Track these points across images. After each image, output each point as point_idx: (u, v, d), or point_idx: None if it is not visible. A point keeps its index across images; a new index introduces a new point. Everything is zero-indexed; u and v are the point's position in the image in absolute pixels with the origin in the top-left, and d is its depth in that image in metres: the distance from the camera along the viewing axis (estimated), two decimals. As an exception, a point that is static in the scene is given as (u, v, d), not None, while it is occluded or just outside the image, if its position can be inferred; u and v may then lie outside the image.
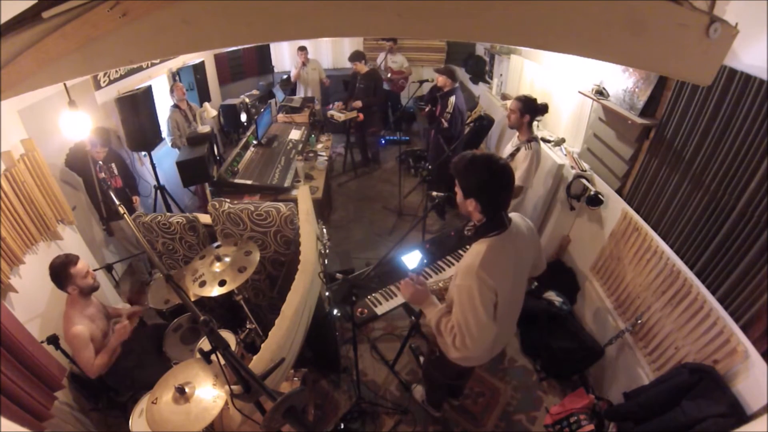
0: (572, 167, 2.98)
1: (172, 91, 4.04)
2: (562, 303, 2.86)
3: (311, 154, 4.17)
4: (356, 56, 4.81)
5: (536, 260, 1.73)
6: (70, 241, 2.66)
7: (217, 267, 2.01)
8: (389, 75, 5.84)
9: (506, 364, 2.88)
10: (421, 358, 2.80)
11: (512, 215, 1.60)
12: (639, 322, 2.20)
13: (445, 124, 3.87)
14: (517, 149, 2.75)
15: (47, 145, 2.60)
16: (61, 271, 2.01)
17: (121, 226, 3.20)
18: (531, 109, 2.68)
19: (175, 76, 4.50)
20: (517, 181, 2.65)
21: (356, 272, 1.94)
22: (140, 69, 3.77)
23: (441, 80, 3.86)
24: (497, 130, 4.80)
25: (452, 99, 3.80)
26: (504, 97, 4.67)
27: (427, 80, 4.66)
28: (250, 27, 1.00)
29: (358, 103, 4.86)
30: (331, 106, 5.28)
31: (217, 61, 5.73)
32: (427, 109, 4.21)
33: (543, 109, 2.72)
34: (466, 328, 1.46)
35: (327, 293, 2.17)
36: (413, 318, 2.99)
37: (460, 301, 1.48)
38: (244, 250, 2.12)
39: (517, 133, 2.82)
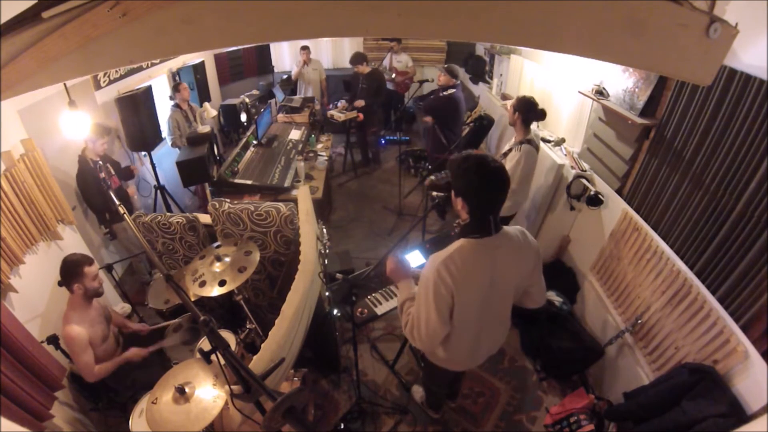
0: (572, 167, 2.98)
1: (177, 90, 4.03)
2: (562, 303, 2.86)
3: (311, 154, 4.17)
4: (357, 59, 4.80)
5: (529, 286, 1.64)
6: (70, 241, 2.66)
7: (217, 267, 2.01)
8: (393, 75, 5.84)
9: (506, 364, 2.88)
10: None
11: (512, 229, 1.53)
12: (639, 322, 2.20)
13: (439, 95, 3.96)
14: (510, 149, 2.76)
15: (47, 145, 2.60)
16: (74, 267, 2.01)
17: (124, 227, 3.20)
18: (523, 108, 2.67)
19: (175, 76, 4.50)
20: None
21: (356, 272, 1.94)
22: (140, 69, 3.77)
23: (443, 79, 3.92)
24: (497, 130, 4.80)
25: (450, 90, 3.90)
26: (504, 97, 4.67)
27: (427, 80, 4.67)
28: (250, 27, 1.00)
29: (361, 102, 4.87)
30: (331, 106, 5.29)
31: (217, 61, 5.73)
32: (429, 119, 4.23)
33: (539, 114, 2.70)
34: (417, 320, 1.48)
35: (327, 293, 2.17)
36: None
37: (418, 290, 1.49)
38: (244, 250, 2.12)
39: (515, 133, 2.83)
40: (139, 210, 3.32)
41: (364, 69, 4.86)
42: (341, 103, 5.11)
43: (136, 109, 3.28)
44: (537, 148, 2.73)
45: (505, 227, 1.51)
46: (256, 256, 2.09)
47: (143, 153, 3.72)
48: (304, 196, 2.56)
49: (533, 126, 2.79)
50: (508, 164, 2.67)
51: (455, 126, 4.08)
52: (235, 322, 2.44)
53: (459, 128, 4.20)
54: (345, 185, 5.26)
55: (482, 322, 1.60)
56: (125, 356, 2.16)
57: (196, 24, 0.98)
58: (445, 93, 3.93)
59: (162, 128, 3.82)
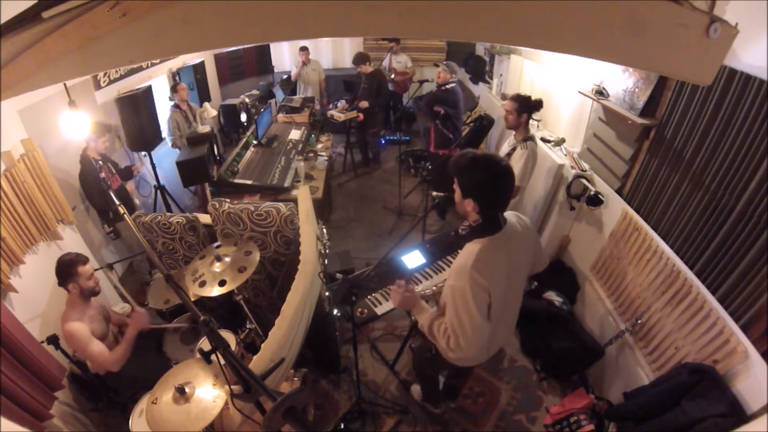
0: (572, 167, 2.98)
1: (175, 91, 4.03)
2: (562, 303, 2.86)
3: (311, 154, 4.17)
4: (360, 59, 4.80)
5: (535, 258, 1.71)
6: (70, 241, 2.66)
7: (217, 267, 2.01)
8: (393, 76, 5.83)
9: (506, 364, 2.88)
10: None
11: (508, 214, 1.58)
12: (639, 322, 2.20)
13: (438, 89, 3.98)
14: (514, 149, 2.75)
15: (47, 145, 2.60)
16: (68, 267, 2.01)
17: (128, 226, 3.19)
18: (528, 107, 2.68)
19: (175, 76, 4.49)
20: None
21: (356, 272, 1.94)
22: (140, 69, 3.77)
23: (443, 75, 3.95)
24: (497, 130, 4.80)
25: (450, 84, 3.94)
26: (504, 97, 4.67)
27: (427, 80, 4.66)
28: (250, 27, 1.00)
29: (365, 103, 4.86)
30: (330, 106, 5.28)
31: (217, 61, 5.73)
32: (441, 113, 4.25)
33: (538, 105, 2.70)
34: (460, 329, 1.47)
35: (327, 293, 2.17)
36: (413, 318, 2.99)
37: (453, 302, 1.48)
38: (244, 250, 2.12)
39: (514, 133, 2.82)
40: (139, 209, 3.32)
41: (367, 69, 4.85)
42: (341, 103, 5.11)
43: (136, 109, 3.28)
44: (536, 143, 2.77)
45: (506, 214, 1.56)
46: (256, 256, 2.09)
47: (143, 153, 3.72)
48: (304, 196, 2.56)
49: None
50: (516, 163, 2.67)
51: (457, 119, 4.08)
52: (235, 322, 2.44)
53: (461, 122, 4.20)
54: (345, 185, 5.26)
55: (502, 313, 1.61)
56: (131, 331, 2.15)
57: (196, 24, 0.97)
58: (446, 86, 3.93)
59: (162, 128, 3.82)
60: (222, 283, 1.94)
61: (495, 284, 1.46)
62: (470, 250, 1.48)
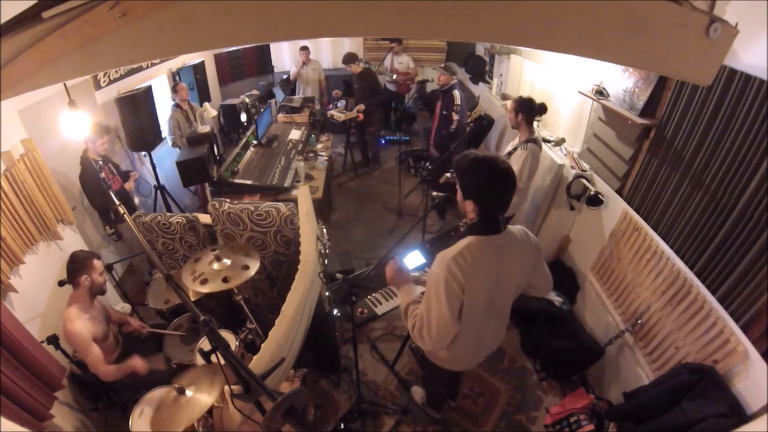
0: (572, 167, 2.98)
1: (175, 90, 4.04)
2: (562, 303, 2.86)
3: (311, 154, 4.17)
4: (348, 59, 4.80)
5: (535, 279, 1.67)
6: (70, 241, 2.66)
7: (217, 266, 2.01)
8: (394, 77, 5.83)
9: (506, 364, 2.88)
10: (421, 358, 2.81)
11: (515, 228, 1.57)
12: (639, 322, 2.20)
13: (456, 117, 3.94)
14: (515, 149, 2.78)
15: (47, 145, 2.60)
16: (83, 260, 2.05)
17: (129, 227, 3.18)
18: (525, 108, 2.72)
19: (175, 76, 4.50)
20: None
21: (356, 272, 1.94)
22: (140, 69, 3.77)
23: (443, 78, 3.95)
24: (497, 130, 4.80)
25: (456, 92, 3.93)
26: (504, 97, 4.67)
27: (427, 80, 4.66)
28: (250, 27, 1.00)
29: (362, 106, 4.86)
30: (330, 106, 5.29)
31: (217, 61, 5.73)
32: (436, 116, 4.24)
33: (541, 109, 2.75)
34: (426, 318, 1.47)
35: (327, 293, 2.17)
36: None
37: (428, 289, 1.49)
38: (242, 264, 2.04)
39: (519, 133, 2.86)
40: (139, 209, 3.32)
41: (357, 68, 4.85)
42: (335, 92, 5.18)
43: (136, 109, 3.28)
44: (540, 146, 2.78)
45: (509, 226, 1.54)
46: (256, 263, 2.05)
47: (143, 153, 3.72)
48: (304, 196, 2.56)
49: (534, 125, 2.82)
50: (515, 163, 2.71)
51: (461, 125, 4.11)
52: (235, 322, 2.44)
53: (463, 126, 4.23)
54: (345, 185, 5.26)
55: (487, 320, 1.61)
56: (131, 365, 2.09)
57: (196, 24, 0.97)
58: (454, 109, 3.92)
59: (162, 128, 3.82)
60: (225, 280, 1.93)
61: (472, 284, 1.43)
62: (458, 243, 1.47)
